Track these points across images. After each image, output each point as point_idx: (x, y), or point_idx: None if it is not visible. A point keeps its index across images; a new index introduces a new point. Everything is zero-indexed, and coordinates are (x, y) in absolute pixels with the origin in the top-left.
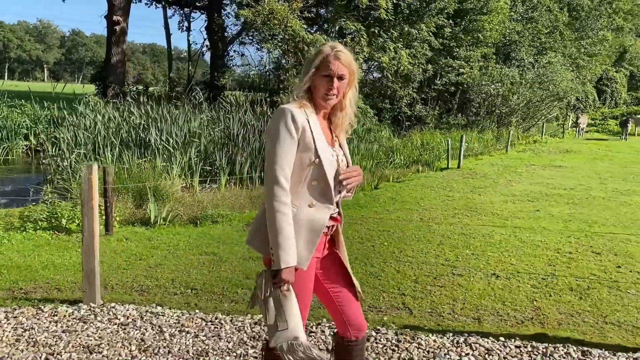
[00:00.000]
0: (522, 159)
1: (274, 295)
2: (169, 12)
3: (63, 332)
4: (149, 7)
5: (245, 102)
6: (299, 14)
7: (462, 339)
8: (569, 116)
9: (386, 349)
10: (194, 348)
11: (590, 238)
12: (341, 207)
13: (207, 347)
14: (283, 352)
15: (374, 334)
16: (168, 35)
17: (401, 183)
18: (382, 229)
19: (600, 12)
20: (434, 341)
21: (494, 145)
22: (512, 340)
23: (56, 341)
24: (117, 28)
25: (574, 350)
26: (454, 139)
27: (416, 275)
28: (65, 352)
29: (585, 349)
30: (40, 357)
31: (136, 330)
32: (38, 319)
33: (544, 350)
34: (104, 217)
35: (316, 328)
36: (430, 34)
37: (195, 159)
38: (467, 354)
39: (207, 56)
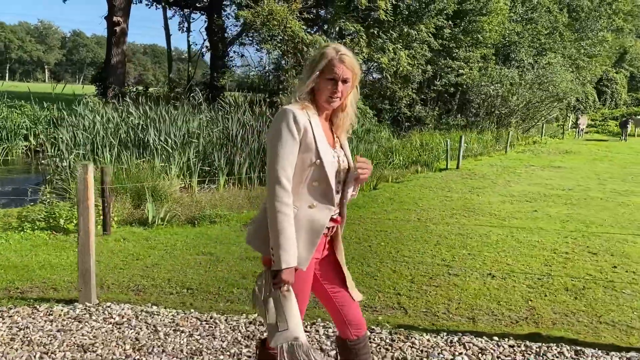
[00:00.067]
0: (521, 160)
1: (274, 296)
2: (169, 13)
3: (58, 331)
4: (149, 8)
5: (244, 103)
6: (298, 14)
7: (455, 339)
8: (569, 117)
9: (380, 348)
10: (188, 347)
11: (587, 238)
12: (345, 208)
13: (201, 346)
14: (283, 352)
15: (368, 333)
16: (168, 36)
17: (400, 183)
18: (379, 229)
19: (600, 13)
20: (428, 340)
21: (493, 146)
22: (506, 339)
23: (51, 340)
24: (117, 29)
25: (567, 350)
26: (453, 139)
27: (412, 275)
28: (59, 351)
29: (579, 348)
30: (35, 356)
31: (131, 329)
32: (33, 318)
33: (538, 349)
34: (101, 217)
35: (310, 327)
36: (430, 34)
37: (194, 159)
38: (460, 354)
39: (208, 57)
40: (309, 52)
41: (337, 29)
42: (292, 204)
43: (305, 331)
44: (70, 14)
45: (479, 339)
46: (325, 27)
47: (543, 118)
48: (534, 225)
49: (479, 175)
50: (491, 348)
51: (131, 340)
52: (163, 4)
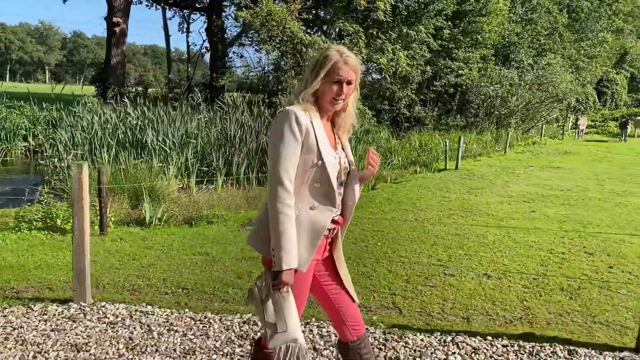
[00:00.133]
0: (520, 160)
1: (273, 297)
2: (169, 13)
3: (52, 330)
4: (149, 8)
5: (242, 103)
6: (297, 15)
7: (449, 338)
8: (569, 118)
9: (373, 348)
10: (182, 347)
11: (584, 239)
12: (350, 211)
13: (194, 346)
14: (280, 353)
15: (367, 332)
16: (167, 37)
17: (398, 184)
18: (376, 229)
19: (600, 14)
20: (422, 340)
21: (492, 146)
22: (500, 339)
23: (44, 340)
24: (117, 29)
25: (560, 350)
26: (453, 140)
27: (408, 275)
28: (52, 350)
29: (572, 348)
30: (28, 355)
31: (125, 329)
32: (27, 318)
33: (531, 349)
34: (98, 217)
35: (304, 327)
36: (429, 35)
37: (192, 159)
38: (453, 353)
39: (208, 57)
40: (308, 53)
41: (337, 29)
42: (294, 205)
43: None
44: (70, 14)
45: (473, 339)
46: (325, 27)
47: (543, 119)
48: (531, 226)
49: (478, 175)
50: (484, 348)
51: (125, 339)
52: (162, 4)
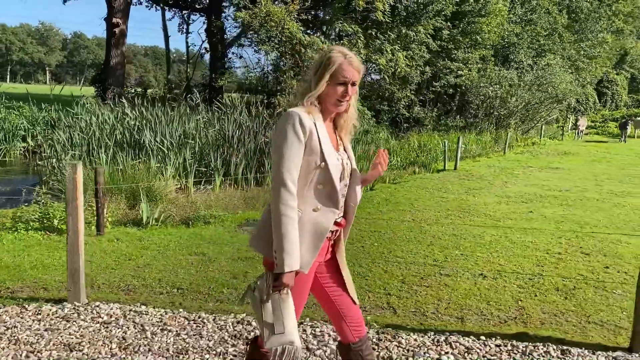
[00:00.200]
0: (519, 161)
1: (273, 298)
2: (169, 14)
3: (45, 330)
4: (149, 9)
5: (241, 104)
6: (296, 16)
7: (442, 338)
8: (569, 118)
9: None
10: (175, 346)
11: (581, 239)
12: (352, 213)
13: (187, 346)
14: (276, 354)
15: (368, 334)
16: (166, 37)
17: (396, 184)
18: (373, 229)
19: (600, 15)
20: (415, 340)
21: (492, 147)
22: (493, 339)
23: (37, 339)
24: (117, 30)
25: (553, 349)
26: (452, 140)
27: (403, 276)
28: (45, 350)
29: (565, 347)
30: (21, 355)
31: (118, 328)
32: (21, 318)
33: (524, 349)
34: (95, 217)
35: (298, 327)
36: (428, 36)
37: (190, 160)
38: (446, 353)
39: (207, 58)
40: (307, 54)
41: (336, 30)
42: (297, 207)
43: None
44: (70, 15)
45: (466, 339)
46: (324, 28)
47: (542, 119)
48: (528, 226)
49: (476, 176)
50: (477, 347)
51: (118, 339)
52: (161, 5)
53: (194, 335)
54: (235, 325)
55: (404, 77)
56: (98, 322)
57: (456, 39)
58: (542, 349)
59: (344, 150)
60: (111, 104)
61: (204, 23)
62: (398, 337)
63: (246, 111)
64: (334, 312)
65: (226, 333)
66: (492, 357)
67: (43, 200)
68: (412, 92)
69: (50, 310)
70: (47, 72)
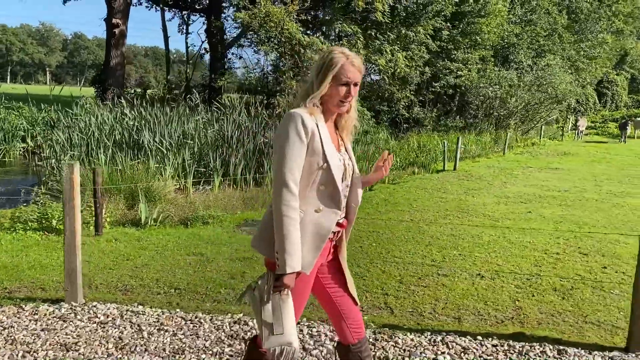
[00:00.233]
0: (519, 162)
1: (273, 299)
2: (169, 14)
3: (42, 330)
4: (149, 10)
5: (240, 104)
6: (295, 16)
7: (439, 338)
8: (569, 119)
9: None
10: (171, 346)
11: (579, 239)
12: (353, 214)
13: (184, 345)
14: (274, 355)
15: (367, 336)
16: (166, 38)
17: (395, 185)
18: (371, 229)
19: (600, 15)
20: (411, 340)
21: (491, 147)
22: (490, 339)
23: (34, 339)
24: (117, 31)
25: (550, 349)
26: (451, 141)
27: (401, 276)
28: (42, 349)
29: (562, 347)
30: (17, 355)
31: (115, 328)
32: (18, 318)
33: (520, 349)
34: (94, 218)
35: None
36: (428, 36)
37: (189, 160)
38: (442, 353)
39: (207, 58)
40: (307, 54)
41: (336, 30)
42: (299, 207)
43: None
44: (70, 15)
45: (463, 339)
46: (323, 28)
47: (542, 120)
48: (526, 226)
49: (476, 176)
50: (474, 347)
51: (114, 339)
52: (161, 5)
53: (190, 335)
54: (232, 325)
55: (404, 78)
56: (95, 322)
57: (456, 39)
58: (538, 349)
59: (345, 150)
60: (110, 105)
61: (203, 23)
62: (395, 337)
63: (245, 112)
64: (335, 313)
65: (223, 333)
66: (489, 357)
67: (42, 201)
68: (411, 92)
69: (47, 310)
70: (48, 72)
